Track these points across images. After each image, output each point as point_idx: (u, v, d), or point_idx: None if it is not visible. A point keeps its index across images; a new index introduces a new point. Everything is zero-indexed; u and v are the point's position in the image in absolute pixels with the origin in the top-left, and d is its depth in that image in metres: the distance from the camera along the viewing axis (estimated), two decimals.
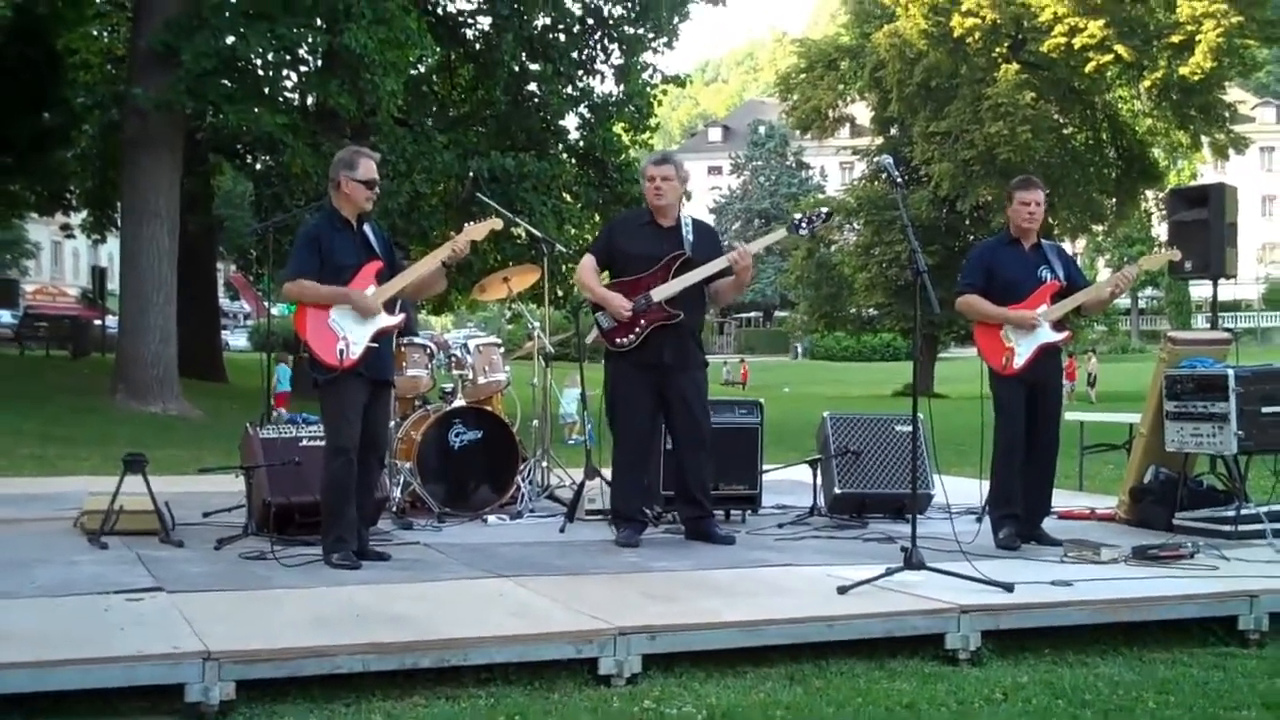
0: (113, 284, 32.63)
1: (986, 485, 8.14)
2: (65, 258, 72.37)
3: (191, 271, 25.22)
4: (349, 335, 6.87)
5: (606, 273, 7.94)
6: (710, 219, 76.88)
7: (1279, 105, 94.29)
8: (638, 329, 7.67)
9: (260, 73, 22.20)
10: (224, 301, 43.82)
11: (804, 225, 8.11)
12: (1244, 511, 8.06)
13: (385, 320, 7.02)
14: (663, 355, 7.69)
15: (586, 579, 6.57)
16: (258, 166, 27.07)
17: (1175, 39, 37.51)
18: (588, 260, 8.02)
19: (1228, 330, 9.98)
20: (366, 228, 7.16)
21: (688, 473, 7.91)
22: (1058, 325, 7.89)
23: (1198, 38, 36.73)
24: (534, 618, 5.50)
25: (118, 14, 28.62)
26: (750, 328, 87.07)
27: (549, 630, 5.26)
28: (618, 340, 7.72)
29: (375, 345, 6.95)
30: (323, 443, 7.19)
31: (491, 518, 8.87)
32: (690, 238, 7.84)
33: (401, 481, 8.78)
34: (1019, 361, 7.79)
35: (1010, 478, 7.88)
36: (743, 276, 7.81)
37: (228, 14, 20.99)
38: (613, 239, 8.07)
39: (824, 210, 8.63)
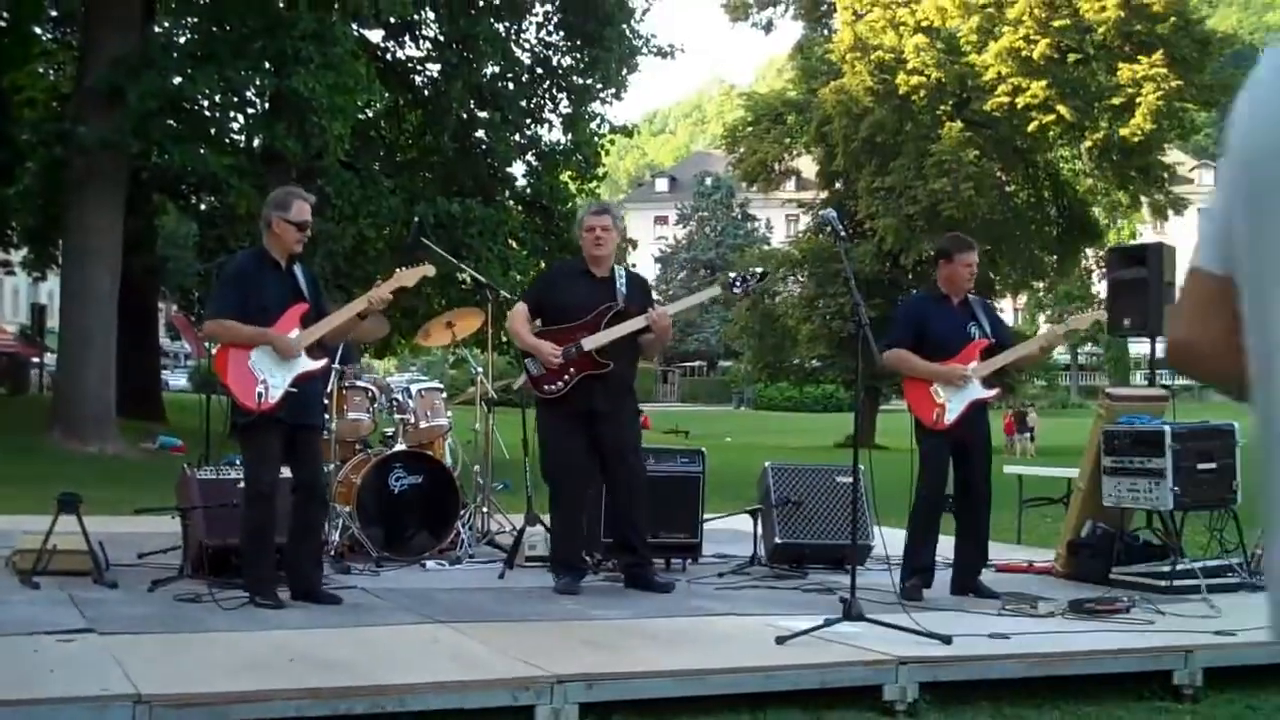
0: (52, 322, 32.28)
1: None
2: (5, 295, 71.54)
3: (133, 311, 25.00)
4: (268, 379, 6.81)
5: (539, 320, 7.95)
6: (655, 268, 77.03)
7: (1217, 167, 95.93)
8: (566, 377, 7.67)
9: (207, 114, 22.15)
10: (165, 341, 43.33)
11: (738, 284, 8.17)
12: (1179, 567, 8.11)
13: (307, 364, 6.96)
14: (594, 403, 7.70)
15: (525, 626, 6.54)
16: (202, 207, 26.95)
17: (1116, 101, 38.03)
18: (520, 308, 8.05)
19: (1165, 387, 10.09)
20: (297, 269, 7.11)
21: (624, 521, 7.91)
22: (987, 381, 7.98)
23: (1138, 100, 37.26)
24: (471, 664, 5.46)
25: (64, 52, 28.45)
26: (694, 377, 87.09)
27: (486, 677, 5.22)
28: (545, 387, 7.72)
29: (295, 390, 6.89)
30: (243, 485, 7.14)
31: (430, 563, 8.79)
32: (623, 289, 7.88)
33: (340, 525, 8.71)
34: (950, 417, 7.86)
35: (926, 531, 7.96)
36: (661, 336, 7.87)
37: (175, 55, 20.96)
38: (547, 288, 8.15)
39: (759, 270, 8.65)
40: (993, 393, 8.02)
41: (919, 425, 7.96)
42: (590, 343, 7.67)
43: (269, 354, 6.87)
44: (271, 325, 6.91)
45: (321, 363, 7.11)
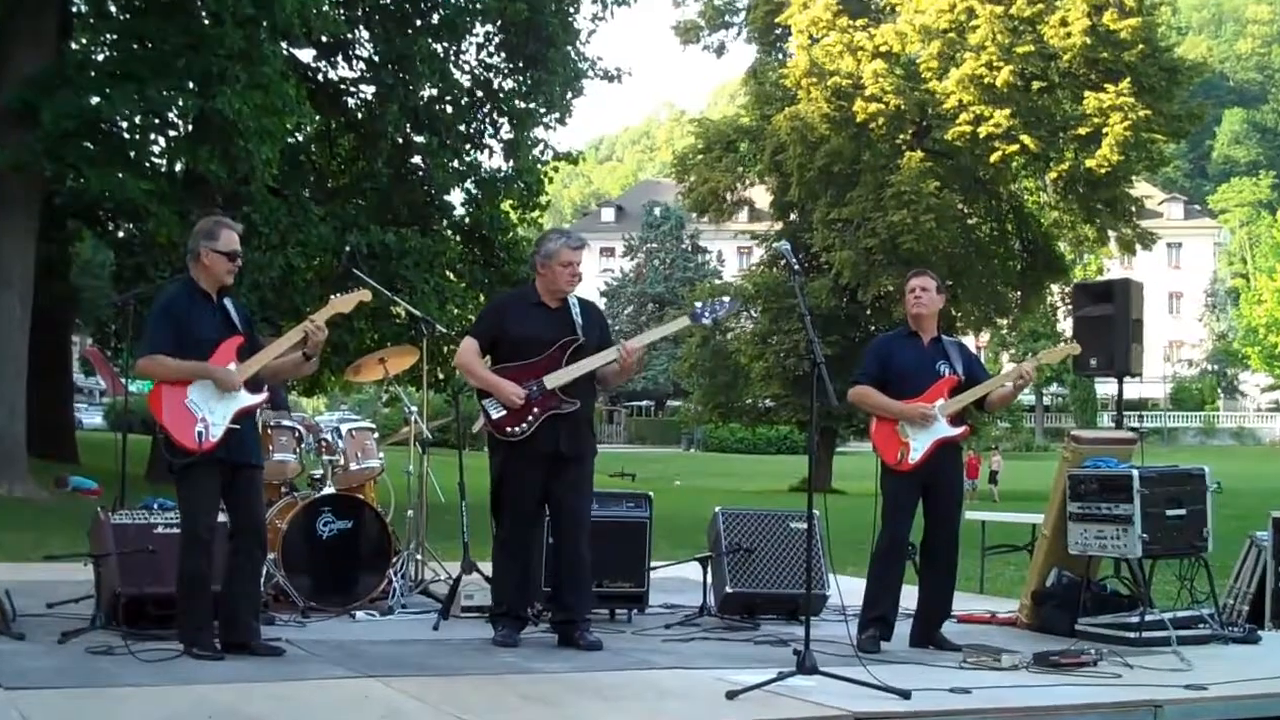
0: None
1: None
2: None
3: (44, 344, 24.73)
4: (209, 416, 6.77)
5: (488, 357, 7.83)
6: (601, 303, 77.01)
7: (1186, 201, 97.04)
8: (530, 418, 7.54)
9: (126, 136, 21.99)
10: (78, 377, 42.97)
11: (706, 314, 8.11)
12: (1148, 618, 8.16)
13: (247, 399, 6.94)
14: (558, 444, 7.58)
15: (460, 679, 6.50)
16: (120, 234, 26.75)
17: (1082, 131, 38.46)
18: (470, 344, 7.85)
19: (1133, 430, 10.17)
20: (227, 302, 7.10)
21: (566, 574, 7.78)
22: (955, 420, 8.01)
23: (1104, 130, 37.68)
24: None
25: None
26: (642, 417, 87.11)
27: None
28: (508, 429, 7.55)
29: (236, 427, 6.86)
30: (179, 530, 7.07)
31: (360, 613, 8.74)
32: (580, 320, 7.78)
33: (265, 573, 8.64)
34: (914, 456, 7.88)
35: (888, 579, 7.97)
36: (628, 370, 7.78)
37: (93, 73, 20.80)
38: (498, 320, 7.92)
39: (726, 299, 8.61)
40: (960, 431, 8.04)
41: (883, 466, 7.99)
42: (553, 380, 7.56)
43: (207, 390, 6.83)
44: (207, 360, 6.88)
45: (261, 397, 7.10)
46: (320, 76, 28.22)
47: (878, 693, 6.12)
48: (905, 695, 6.09)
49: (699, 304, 8.24)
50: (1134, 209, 41.91)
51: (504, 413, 7.57)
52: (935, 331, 8.25)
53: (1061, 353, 9.04)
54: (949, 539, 8.13)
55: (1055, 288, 45.11)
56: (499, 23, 27.15)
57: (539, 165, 28.20)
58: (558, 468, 7.65)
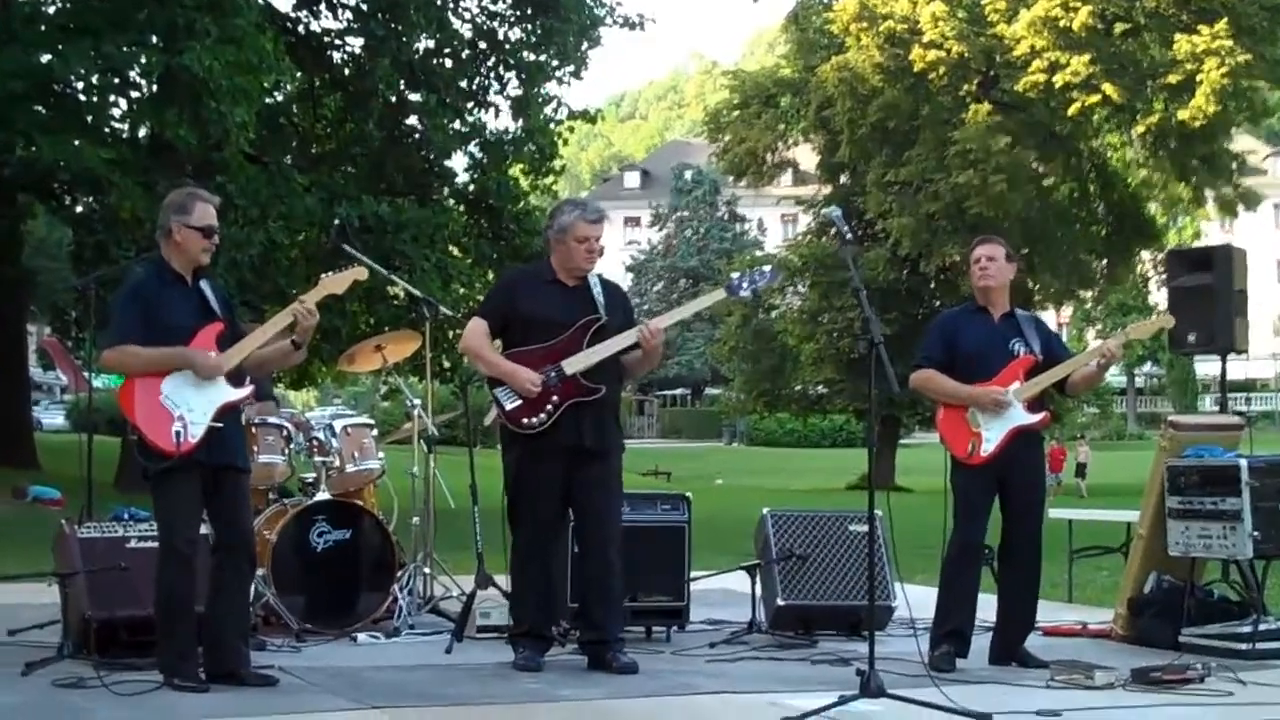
0: None
1: None
2: None
3: None
4: (187, 413, 6.74)
5: (499, 340, 7.86)
6: (627, 279, 76.91)
7: None
8: (549, 407, 7.55)
9: (82, 98, 22.05)
10: (35, 371, 43.21)
11: (744, 285, 8.11)
12: (1262, 627, 8.14)
13: (230, 394, 6.93)
14: (581, 437, 7.60)
15: (476, 710, 6.53)
16: (78, 209, 26.83)
17: (1172, 79, 38.10)
18: (478, 325, 7.89)
19: (1239, 414, 10.14)
20: (203, 284, 7.07)
21: (594, 587, 7.80)
22: (1034, 405, 7.98)
23: (1199, 78, 37.29)
24: None
25: None
26: (676, 407, 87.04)
27: None
28: (524, 421, 7.57)
29: (219, 425, 6.86)
30: (155, 544, 7.09)
31: (362, 635, 8.76)
32: (601, 299, 7.81)
33: (254, 591, 8.67)
34: (987, 448, 7.86)
35: (961, 588, 7.96)
36: (652, 354, 7.80)
37: (43, 27, 20.86)
38: (509, 300, 7.96)
39: (766, 268, 8.60)
40: (1040, 417, 8.01)
41: (953, 459, 7.99)
42: (573, 365, 7.57)
43: (184, 383, 6.80)
44: None
45: (246, 390, 7.05)
46: (301, 28, 28.26)
47: (954, 716, 6.12)
48: (985, 719, 6.09)
49: (735, 275, 8.23)
50: (1235, 165, 41.58)
51: (519, 402, 7.58)
52: (1007, 306, 8.22)
53: (1153, 327, 8.99)
54: (1030, 541, 8.10)
55: (1146, 255, 44.91)
56: None
57: (552, 125, 28.19)
58: (580, 463, 7.67)
